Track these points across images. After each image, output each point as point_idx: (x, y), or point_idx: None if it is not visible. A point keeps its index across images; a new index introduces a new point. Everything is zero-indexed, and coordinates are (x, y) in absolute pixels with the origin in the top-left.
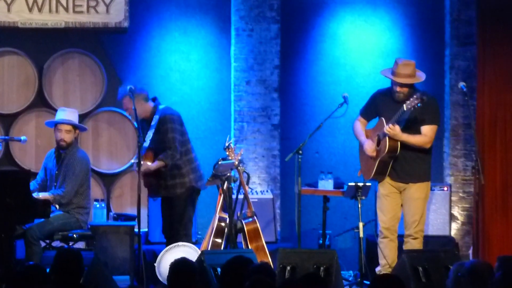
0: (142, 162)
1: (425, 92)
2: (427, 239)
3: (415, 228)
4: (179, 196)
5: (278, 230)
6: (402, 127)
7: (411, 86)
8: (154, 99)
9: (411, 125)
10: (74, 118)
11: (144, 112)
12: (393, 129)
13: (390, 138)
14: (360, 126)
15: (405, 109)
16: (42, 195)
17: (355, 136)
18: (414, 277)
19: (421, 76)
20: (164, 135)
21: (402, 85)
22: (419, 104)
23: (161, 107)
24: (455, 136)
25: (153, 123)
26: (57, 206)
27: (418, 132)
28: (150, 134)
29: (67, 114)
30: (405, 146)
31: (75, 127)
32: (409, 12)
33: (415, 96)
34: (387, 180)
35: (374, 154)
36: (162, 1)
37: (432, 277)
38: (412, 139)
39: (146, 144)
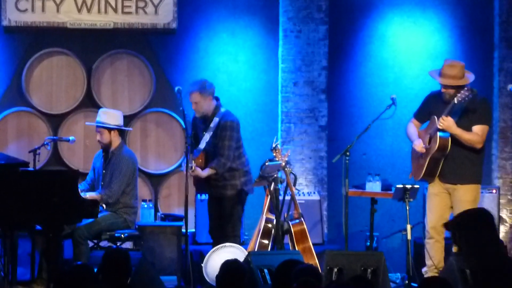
0: (194, 168)
1: (475, 92)
2: None
3: None
4: (229, 197)
5: (325, 232)
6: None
7: (457, 88)
8: (217, 98)
9: (462, 125)
10: (106, 119)
11: (208, 109)
12: (446, 120)
13: (441, 136)
14: (413, 127)
15: (456, 102)
16: (89, 195)
17: (407, 138)
18: (462, 279)
19: (469, 78)
20: (221, 141)
21: (446, 86)
22: (470, 96)
23: (222, 109)
24: (504, 139)
25: (212, 125)
26: (104, 206)
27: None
28: (207, 137)
29: (100, 115)
30: (455, 146)
31: (108, 128)
32: (458, 14)
33: (466, 88)
34: (437, 180)
35: (424, 150)
36: (210, 2)
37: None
38: (465, 134)
39: (202, 146)
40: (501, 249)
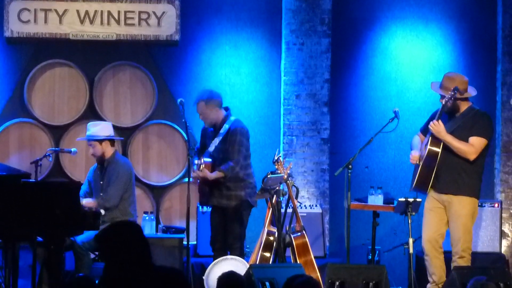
0: (202, 167)
1: (478, 109)
2: (477, 255)
3: (460, 247)
4: (234, 207)
5: (327, 245)
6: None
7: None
8: (226, 109)
9: (461, 136)
10: (96, 131)
11: (216, 118)
12: (437, 125)
13: (431, 142)
14: (417, 139)
15: (443, 103)
16: (85, 202)
17: (411, 149)
18: None
19: (469, 93)
20: (231, 145)
21: (442, 97)
22: (455, 94)
23: (232, 118)
24: (507, 153)
25: (221, 131)
26: (103, 211)
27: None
28: (216, 141)
29: (88, 129)
30: (451, 156)
31: (98, 140)
32: (461, 27)
33: (451, 89)
34: (432, 193)
35: (416, 159)
36: (213, 14)
37: None
38: (456, 142)
39: (211, 149)
40: (146, 259)
